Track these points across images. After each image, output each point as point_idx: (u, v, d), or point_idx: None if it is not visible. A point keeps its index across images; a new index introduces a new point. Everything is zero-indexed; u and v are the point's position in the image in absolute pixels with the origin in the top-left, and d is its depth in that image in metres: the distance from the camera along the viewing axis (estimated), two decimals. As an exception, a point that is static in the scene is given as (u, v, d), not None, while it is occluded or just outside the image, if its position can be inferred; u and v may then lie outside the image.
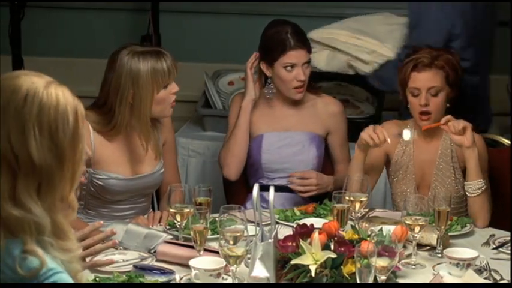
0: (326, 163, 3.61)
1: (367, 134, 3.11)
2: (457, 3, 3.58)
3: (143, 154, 3.18)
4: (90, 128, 3.05)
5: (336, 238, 2.54)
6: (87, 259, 2.49)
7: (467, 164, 3.09)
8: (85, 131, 2.99)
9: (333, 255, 2.44)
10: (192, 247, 2.67)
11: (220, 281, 2.48)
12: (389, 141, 3.10)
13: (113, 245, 2.56)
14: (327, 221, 2.80)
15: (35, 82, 1.77)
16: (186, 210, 2.78)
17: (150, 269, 2.59)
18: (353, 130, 4.03)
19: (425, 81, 3.16)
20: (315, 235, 2.48)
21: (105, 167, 3.10)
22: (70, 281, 1.74)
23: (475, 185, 3.09)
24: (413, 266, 2.71)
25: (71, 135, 1.79)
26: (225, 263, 2.47)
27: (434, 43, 3.33)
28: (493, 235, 2.98)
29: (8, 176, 1.74)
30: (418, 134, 3.27)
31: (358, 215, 2.87)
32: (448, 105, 3.23)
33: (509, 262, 2.73)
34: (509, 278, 2.62)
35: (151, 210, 3.33)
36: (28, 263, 1.70)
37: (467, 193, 3.11)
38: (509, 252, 2.82)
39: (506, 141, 4.05)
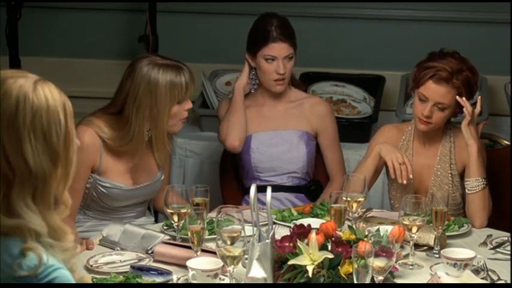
0: (319, 163, 3.59)
1: (391, 161, 3.09)
2: None
3: (148, 164, 3.15)
4: (99, 138, 3.02)
5: (333, 238, 2.53)
6: None
7: (469, 160, 3.09)
8: (94, 139, 2.95)
9: (330, 256, 2.43)
10: (189, 247, 2.66)
11: (217, 281, 2.48)
12: (411, 177, 3.09)
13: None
14: (324, 221, 2.80)
15: (23, 85, 1.74)
16: (183, 210, 2.77)
17: (147, 270, 2.59)
18: (350, 130, 4.04)
19: (435, 95, 3.09)
20: (312, 235, 2.48)
21: (110, 176, 3.06)
22: (70, 276, 1.74)
23: (473, 183, 3.08)
24: (411, 267, 2.70)
25: (63, 135, 1.78)
26: (222, 264, 2.47)
27: None
28: (490, 235, 2.98)
29: (3, 186, 1.72)
30: (418, 139, 3.25)
31: (356, 215, 2.87)
32: (451, 119, 3.22)
33: (506, 262, 2.73)
34: (506, 278, 2.62)
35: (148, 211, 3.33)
36: (27, 262, 1.69)
37: (466, 190, 3.11)
38: (506, 252, 2.82)
39: (506, 142, 4.06)
